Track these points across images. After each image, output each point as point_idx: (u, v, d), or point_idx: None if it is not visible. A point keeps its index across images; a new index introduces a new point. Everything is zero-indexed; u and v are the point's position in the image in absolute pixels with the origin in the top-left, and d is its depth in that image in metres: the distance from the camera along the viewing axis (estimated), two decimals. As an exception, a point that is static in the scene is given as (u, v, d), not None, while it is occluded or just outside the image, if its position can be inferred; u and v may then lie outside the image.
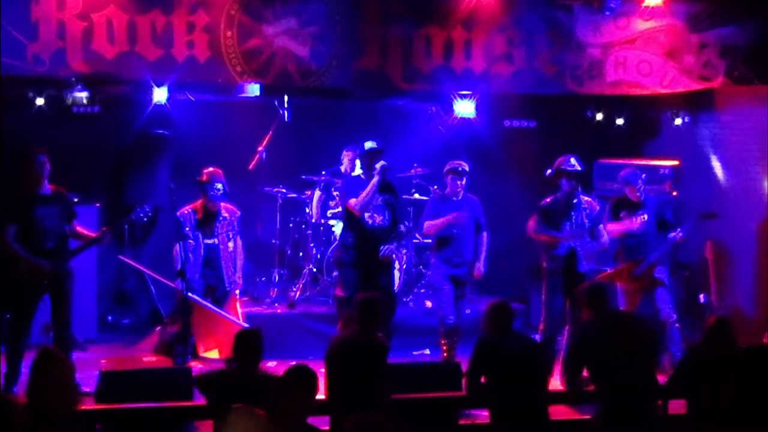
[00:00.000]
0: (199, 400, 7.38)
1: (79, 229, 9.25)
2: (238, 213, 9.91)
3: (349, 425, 4.97)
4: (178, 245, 9.54)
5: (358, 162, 12.22)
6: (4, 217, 8.89)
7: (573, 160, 9.68)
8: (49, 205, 8.99)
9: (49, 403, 5.72)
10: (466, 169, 10.04)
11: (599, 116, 12.56)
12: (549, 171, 9.80)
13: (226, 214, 9.79)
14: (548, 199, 9.78)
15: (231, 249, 9.79)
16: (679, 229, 9.94)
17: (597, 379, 7.41)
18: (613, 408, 7.21)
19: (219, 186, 9.66)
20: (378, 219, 9.73)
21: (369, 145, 9.83)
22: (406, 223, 12.42)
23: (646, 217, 9.92)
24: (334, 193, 11.95)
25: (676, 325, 10.10)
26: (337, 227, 11.82)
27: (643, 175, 10.26)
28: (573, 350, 8.08)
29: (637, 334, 7.43)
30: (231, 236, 9.79)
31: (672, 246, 10.09)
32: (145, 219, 9.43)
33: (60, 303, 9.06)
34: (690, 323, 10.75)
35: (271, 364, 10.35)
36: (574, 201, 9.68)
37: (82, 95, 10.95)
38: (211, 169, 9.74)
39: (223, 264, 9.76)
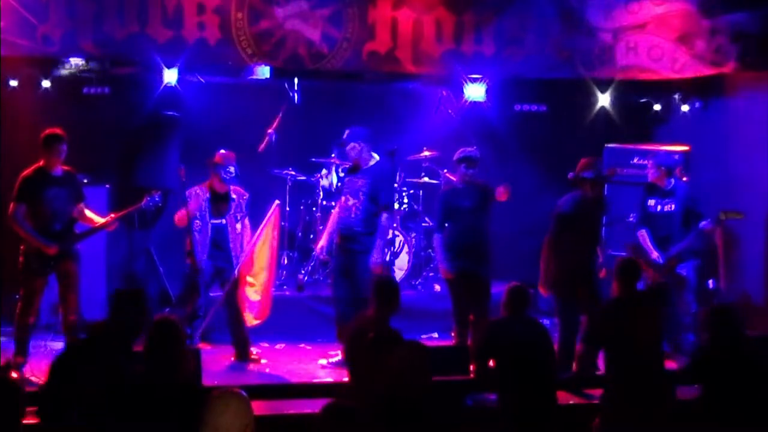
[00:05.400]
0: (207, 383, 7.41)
1: (86, 211, 9.27)
2: (247, 195, 9.90)
3: (322, 412, 4.97)
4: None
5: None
6: (15, 195, 8.92)
7: None
8: (60, 186, 9.02)
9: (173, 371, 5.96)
10: (479, 157, 9.81)
11: (609, 101, 12.53)
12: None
13: (235, 196, 9.78)
14: None
15: (239, 231, 9.79)
16: (707, 221, 9.81)
17: (611, 362, 7.43)
18: (622, 392, 7.23)
19: (231, 169, 9.66)
20: (351, 202, 9.67)
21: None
22: (415, 207, 12.43)
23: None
24: (341, 174, 11.94)
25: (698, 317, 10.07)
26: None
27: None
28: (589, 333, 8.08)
29: (647, 318, 7.44)
30: (239, 218, 9.79)
31: (697, 239, 9.95)
32: (154, 208, 9.46)
33: (67, 284, 9.10)
34: (698, 309, 10.72)
35: (279, 346, 10.40)
36: None
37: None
38: (224, 151, 9.73)
39: (231, 246, 9.76)
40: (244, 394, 4.96)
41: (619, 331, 7.31)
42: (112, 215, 9.45)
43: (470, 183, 9.68)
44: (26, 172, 9.01)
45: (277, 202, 10.00)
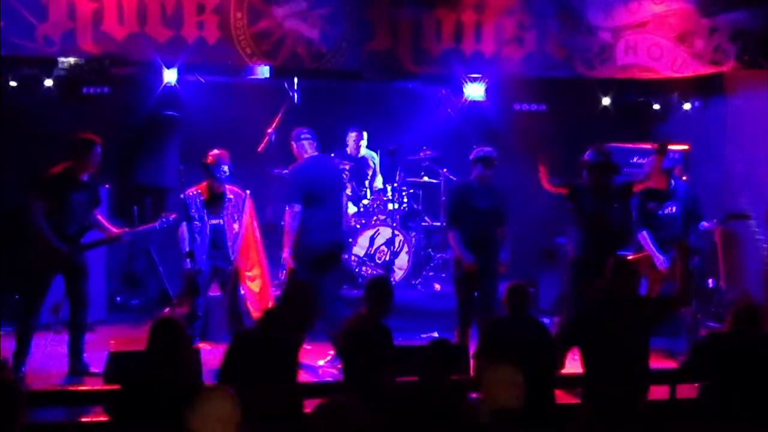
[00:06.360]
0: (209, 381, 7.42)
1: (99, 217, 9.30)
2: (243, 195, 9.91)
3: (316, 411, 4.98)
4: (184, 226, 9.57)
5: (363, 143, 12.29)
6: (38, 193, 8.91)
7: None
8: (84, 191, 9.04)
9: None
10: (496, 157, 9.67)
11: (609, 100, 12.53)
12: None
13: (231, 196, 9.80)
14: None
15: (236, 230, 9.80)
16: (710, 222, 9.80)
17: (588, 360, 7.41)
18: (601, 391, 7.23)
19: (225, 168, 9.66)
20: None
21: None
22: (415, 206, 12.45)
23: None
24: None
25: (698, 316, 10.08)
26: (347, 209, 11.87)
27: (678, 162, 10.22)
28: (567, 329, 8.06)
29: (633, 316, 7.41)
30: (236, 218, 9.80)
31: (699, 239, 9.93)
32: (167, 227, 9.47)
33: (76, 282, 9.12)
34: (698, 308, 10.74)
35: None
36: None
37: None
38: (216, 150, 9.74)
39: (229, 245, 9.77)
40: (232, 392, 4.99)
41: (599, 330, 7.29)
42: (126, 230, 9.47)
43: (486, 184, 9.63)
44: (54, 171, 8.98)
45: (247, 192, 9.93)
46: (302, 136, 9.85)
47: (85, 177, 9.06)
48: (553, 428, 7.19)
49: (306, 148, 9.82)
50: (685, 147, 11.68)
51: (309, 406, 7.95)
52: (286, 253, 9.50)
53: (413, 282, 11.98)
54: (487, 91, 11.88)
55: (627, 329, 7.20)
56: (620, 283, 7.45)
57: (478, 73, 11.72)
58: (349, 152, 12.28)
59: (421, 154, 12.50)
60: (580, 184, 9.58)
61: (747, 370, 7.03)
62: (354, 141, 12.28)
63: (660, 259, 9.66)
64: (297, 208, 9.45)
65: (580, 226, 9.56)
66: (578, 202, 9.54)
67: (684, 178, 10.83)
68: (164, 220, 9.39)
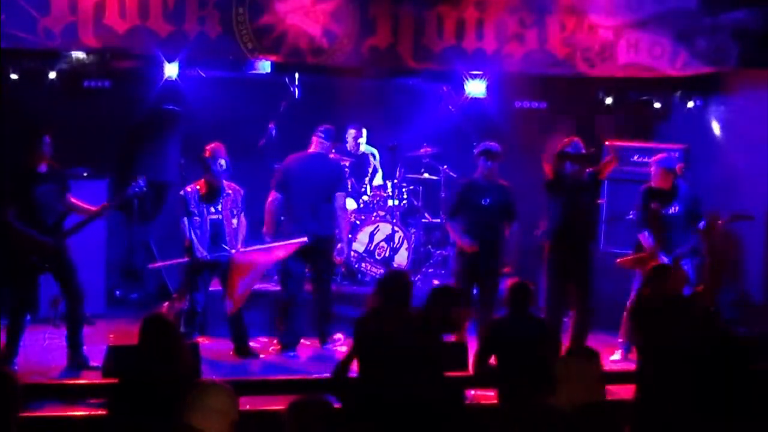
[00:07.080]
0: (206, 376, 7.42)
1: (73, 201, 9.25)
2: (242, 191, 9.91)
3: (288, 408, 4.97)
4: (184, 221, 9.57)
5: (362, 140, 12.28)
6: (6, 195, 8.90)
7: None
8: (47, 182, 9.02)
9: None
10: (499, 150, 9.86)
11: (610, 99, 12.52)
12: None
13: (230, 191, 9.79)
14: None
15: (235, 225, 9.79)
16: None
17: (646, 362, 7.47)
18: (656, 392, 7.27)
19: (222, 162, 9.66)
20: None
21: None
22: (415, 203, 12.44)
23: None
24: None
25: None
26: (347, 205, 11.85)
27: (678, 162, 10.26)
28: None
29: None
30: (235, 213, 9.80)
31: (700, 240, 9.94)
32: (140, 192, 9.39)
33: (66, 277, 9.09)
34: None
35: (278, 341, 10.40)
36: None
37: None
38: (213, 144, 9.72)
39: (228, 240, 9.76)
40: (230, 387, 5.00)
41: (655, 332, 7.35)
42: (104, 204, 9.42)
43: (491, 180, 9.70)
44: (13, 171, 9.01)
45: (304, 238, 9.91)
46: (317, 132, 10.30)
47: (42, 168, 9.04)
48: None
49: (313, 143, 10.23)
50: (681, 146, 11.59)
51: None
52: (264, 230, 10.03)
53: (412, 278, 11.95)
54: (488, 88, 11.88)
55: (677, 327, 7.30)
56: (662, 287, 7.57)
57: (479, 70, 11.71)
58: (348, 149, 12.26)
59: (422, 150, 12.48)
60: (563, 174, 9.64)
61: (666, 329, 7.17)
62: (353, 138, 12.27)
63: (663, 261, 9.65)
64: (273, 194, 10.04)
65: (557, 215, 9.63)
66: (559, 191, 9.61)
67: (683, 178, 10.84)
68: (135, 185, 9.30)
